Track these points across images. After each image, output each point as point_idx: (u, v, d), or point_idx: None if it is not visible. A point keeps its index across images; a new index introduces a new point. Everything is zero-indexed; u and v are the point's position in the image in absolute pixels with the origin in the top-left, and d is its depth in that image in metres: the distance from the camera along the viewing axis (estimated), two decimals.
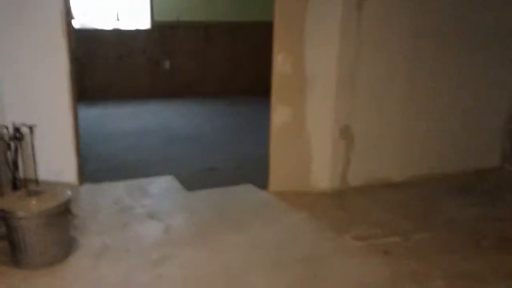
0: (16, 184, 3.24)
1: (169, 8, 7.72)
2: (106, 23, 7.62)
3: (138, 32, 7.68)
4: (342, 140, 3.98)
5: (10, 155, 3.24)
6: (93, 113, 6.62)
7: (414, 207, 3.82)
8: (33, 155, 3.36)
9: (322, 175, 4.02)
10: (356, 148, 4.05)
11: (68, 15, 3.73)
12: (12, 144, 3.21)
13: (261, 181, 4.11)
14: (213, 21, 8.00)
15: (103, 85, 7.50)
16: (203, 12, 7.94)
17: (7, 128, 3.25)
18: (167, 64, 7.86)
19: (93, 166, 4.45)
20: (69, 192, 2.94)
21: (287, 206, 3.76)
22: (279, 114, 3.85)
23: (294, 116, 3.86)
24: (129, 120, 6.41)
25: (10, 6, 3.66)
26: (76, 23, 7.08)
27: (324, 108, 3.87)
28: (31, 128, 3.24)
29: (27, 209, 2.71)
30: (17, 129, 3.19)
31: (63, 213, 2.84)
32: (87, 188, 4.01)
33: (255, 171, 4.42)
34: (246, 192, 4.05)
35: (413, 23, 3.96)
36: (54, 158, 3.85)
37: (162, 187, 4.11)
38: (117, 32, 7.58)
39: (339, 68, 3.80)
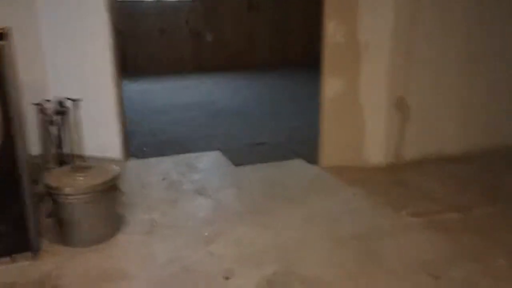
0: (61, 160, 3.17)
1: None
2: None
3: (180, 3, 7.53)
4: (397, 113, 3.75)
5: (54, 130, 3.16)
6: (136, 88, 6.56)
7: (474, 181, 3.57)
8: (78, 130, 3.27)
9: (375, 149, 3.80)
10: (412, 121, 3.81)
11: None
12: (56, 119, 3.13)
13: (312, 156, 3.94)
14: None
15: (145, 58, 7.43)
16: None
17: (49, 102, 3.15)
18: (209, 36, 7.70)
19: (139, 142, 4.38)
20: (116, 168, 2.85)
21: (340, 181, 3.58)
22: (331, 85, 3.64)
23: (347, 87, 3.65)
24: (173, 94, 6.32)
25: None
26: None
27: (378, 79, 3.64)
28: (75, 102, 3.15)
29: (74, 185, 2.63)
30: (60, 103, 3.10)
31: (111, 189, 2.75)
32: (133, 163, 3.94)
33: (305, 145, 4.25)
34: (296, 167, 3.88)
35: None
36: (99, 133, 3.78)
37: (210, 162, 4.00)
38: (158, 4, 7.46)
39: (394, 35, 3.55)
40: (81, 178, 2.68)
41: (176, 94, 6.30)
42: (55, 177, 2.71)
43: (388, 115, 3.73)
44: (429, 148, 3.95)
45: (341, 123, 3.74)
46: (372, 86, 3.65)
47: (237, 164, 3.91)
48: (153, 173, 3.74)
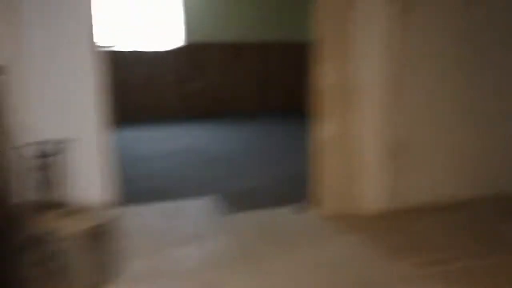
0: (47, 207, 3.01)
1: (199, 28, 7.61)
2: (135, 44, 7.52)
3: (167, 52, 7.57)
4: (391, 157, 3.71)
5: (39, 174, 3.01)
6: (123, 135, 6.46)
7: (474, 230, 3.49)
8: (68, 174, 3.13)
9: (370, 195, 3.74)
10: (406, 166, 3.76)
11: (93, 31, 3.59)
12: (42, 163, 2.98)
13: (304, 202, 3.87)
14: (244, 41, 7.87)
15: (133, 106, 7.37)
16: (233, 32, 7.81)
17: (40, 144, 3.01)
18: (197, 84, 7.73)
19: (127, 189, 4.23)
20: (109, 212, 2.73)
21: (335, 229, 3.48)
22: (323, 128, 3.61)
23: (339, 130, 3.61)
24: (160, 141, 6.25)
25: (43, 19, 3.51)
26: (106, 43, 6.99)
27: (371, 122, 3.62)
28: (63, 145, 3.02)
29: (65, 229, 2.50)
30: (47, 146, 2.97)
31: (103, 235, 2.62)
32: (121, 210, 3.79)
33: (296, 192, 4.18)
34: (288, 214, 3.78)
35: (461, 28, 3.72)
36: (86, 179, 3.64)
37: (200, 209, 3.88)
38: (146, 53, 7.49)
39: (386, 78, 3.55)
40: (72, 222, 2.55)
41: (164, 142, 6.24)
42: (43, 222, 2.58)
43: (382, 161, 3.68)
44: (424, 195, 3.87)
45: (333, 169, 3.68)
46: (365, 129, 3.62)
47: (227, 211, 3.80)
48: (141, 220, 3.61)
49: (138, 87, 7.44)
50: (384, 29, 3.48)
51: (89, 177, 3.67)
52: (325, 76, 3.49)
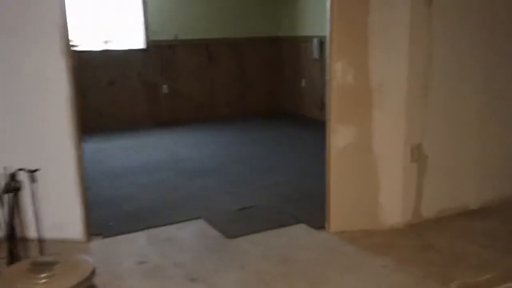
0: (12, 252, 2.35)
1: (165, 26, 6.92)
2: (94, 44, 6.73)
3: (131, 52, 6.84)
4: (414, 164, 3.24)
5: (11, 207, 2.33)
6: (86, 148, 5.71)
7: (509, 238, 3.11)
8: (35, 208, 2.46)
9: (392, 208, 3.26)
10: (429, 173, 3.32)
11: (66, 30, 2.95)
12: (6, 198, 2.31)
13: (314, 219, 3.36)
14: (216, 38, 7.23)
15: (94, 114, 6.52)
16: (204, 29, 7.15)
17: (8, 174, 2.31)
18: (165, 88, 7.04)
19: (101, 215, 3.57)
20: (90, 261, 2.11)
21: (359, 250, 2.98)
22: (339, 134, 3.09)
23: (358, 137, 3.11)
24: (131, 153, 5.53)
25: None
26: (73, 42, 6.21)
27: (393, 125, 3.14)
28: (32, 174, 2.36)
29: None
30: (12, 177, 2.30)
31: None
32: (98, 244, 3.15)
33: (301, 207, 3.67)
34: (301, 234, 3.25)
35: (490, 19, 3.34)
36: (55, 209, 2.98)
37: (194, 235, 3.28)
38: (107, 54, 6.72)
39: (410, 76, 3.10)
40: (44, 281, 1.92)
41: (135, 154, 5.51)
42: (6, 282, 1.93)
43: (404, 167, 3.22)
44: (447, 203, 3.46)
45: (352, 179, 3.18)
46: (387, 133, 3.14)
47: (228, 235, 3.22)
48: (125, 255, 2.98)
49: (97, 92, 6.64)
50: (407, 22, 3.03)
51: (60, 207, 3.03)
52: (343, 74, 2.98)
